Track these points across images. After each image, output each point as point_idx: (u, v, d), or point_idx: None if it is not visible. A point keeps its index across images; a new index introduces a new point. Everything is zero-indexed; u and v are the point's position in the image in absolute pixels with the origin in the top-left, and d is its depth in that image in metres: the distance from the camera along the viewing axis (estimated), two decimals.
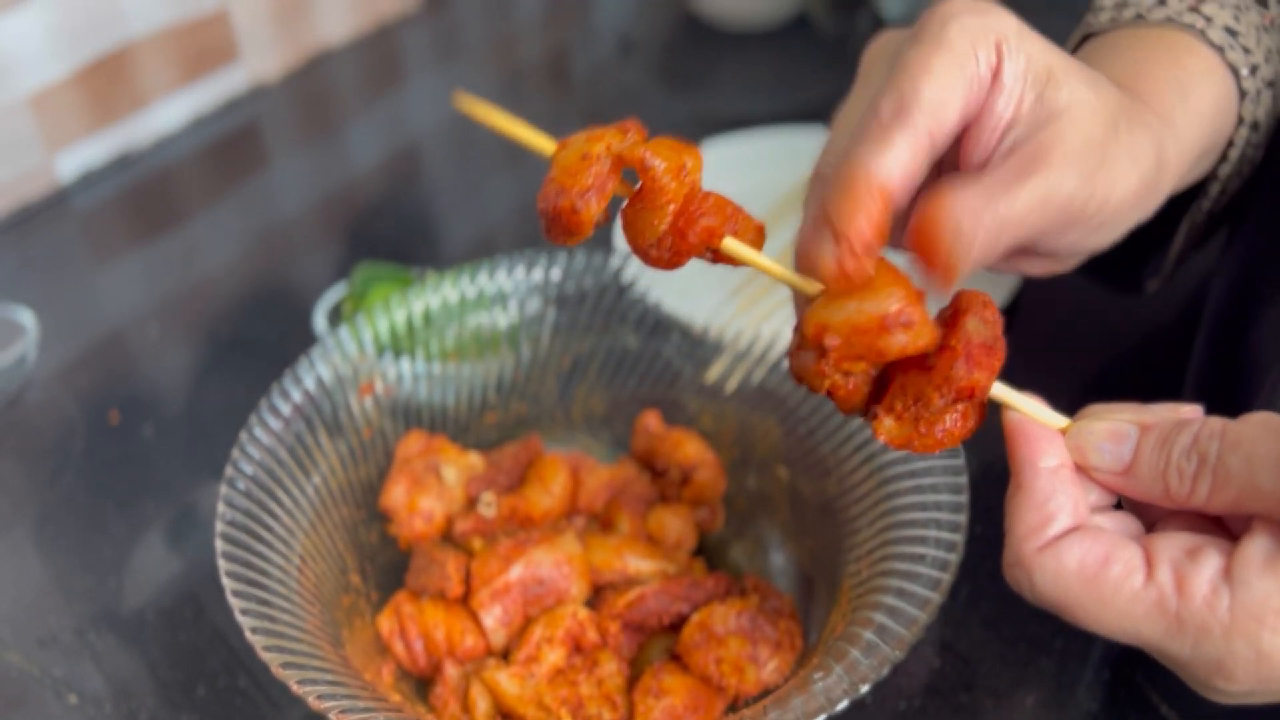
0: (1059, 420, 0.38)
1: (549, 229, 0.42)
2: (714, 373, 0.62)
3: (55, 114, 0.94)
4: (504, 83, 1.19)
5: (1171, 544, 0.34)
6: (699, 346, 0.63)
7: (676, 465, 0.59)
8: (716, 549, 0.60)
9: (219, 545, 0.47)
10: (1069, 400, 0.41)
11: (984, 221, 0.38)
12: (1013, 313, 0.73)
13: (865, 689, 0.41)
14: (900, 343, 0.37)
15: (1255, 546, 0.33)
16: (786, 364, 0.40)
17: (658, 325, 0.63)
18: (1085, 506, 0.37)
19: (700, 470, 0.59)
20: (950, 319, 0.38)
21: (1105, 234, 0.44)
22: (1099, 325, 0.76)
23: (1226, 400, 0.51)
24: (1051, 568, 0.35)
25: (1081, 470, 0.37)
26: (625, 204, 0.41)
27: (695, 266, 0.62)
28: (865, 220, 0.37)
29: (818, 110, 1.09)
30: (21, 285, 0.87)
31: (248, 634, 0.43)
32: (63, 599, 0.62)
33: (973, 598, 0.59)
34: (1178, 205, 0.54)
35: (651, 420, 0.63)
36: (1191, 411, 0.36)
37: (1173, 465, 0.35)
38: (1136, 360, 0.73)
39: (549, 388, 0.64)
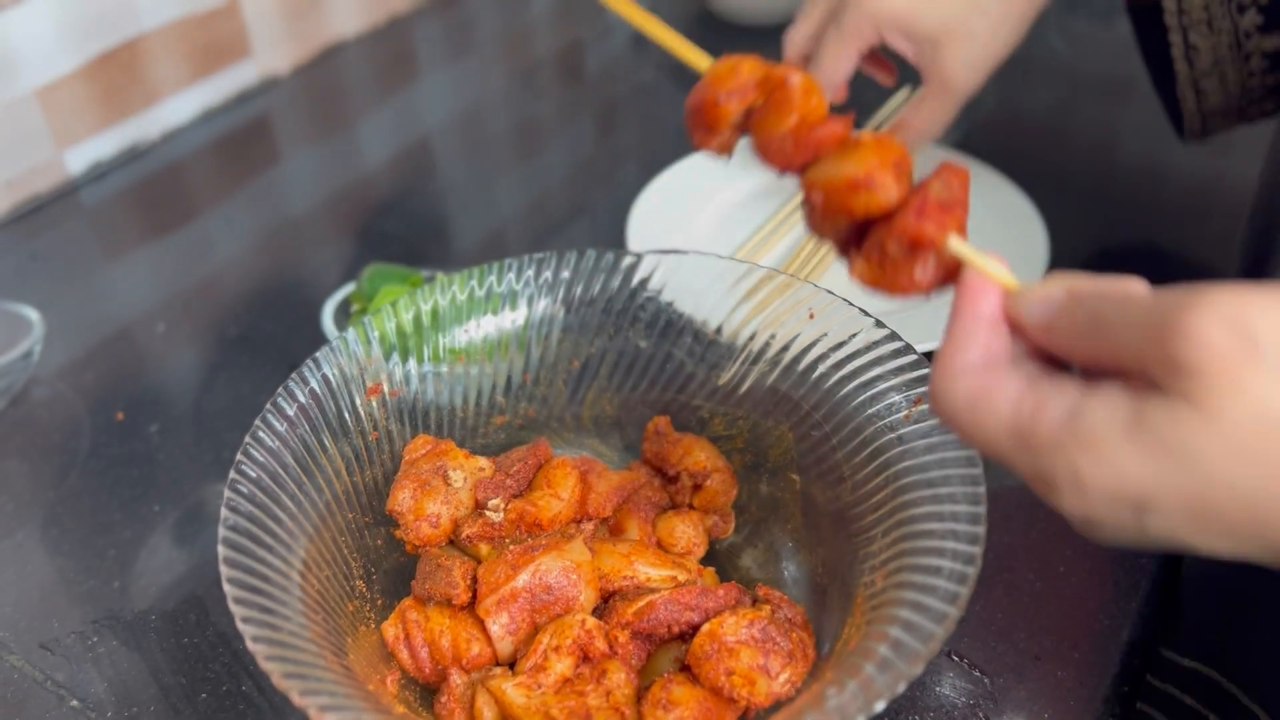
0: (1012, 282, 0.41)
1: (691, 122, 0.50)
2: (726, 376, 0.61)
3: (64, 107, 0.94)
4: (517, 78, 1.18)
5: (1057, 388, 0.38)
6: (711, 349, 0.62)
7: (687, 472, 0.58)
8: (727, 556, 0.59)
9: (221, 551, 0.46)
10: None
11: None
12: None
13: (880, 706, 0.40)
14: (863, 201, 0.43)
15: (1106, 389, 0.37)
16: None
17: (669, 327, 0.62)
18: (1001, 350, 0.40)
19: (712, 477, 0.58)
20: (921, 184, 0.43)
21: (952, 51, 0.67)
22: None
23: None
24: (947, 391, 0.40)
25: (1015, 326, 0.41)
26: (761, 105, 0.48)
27: (709, 271, 0.60)
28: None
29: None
30: (29, 280, 0.87)
31: (249, 643, 0.43)
32: (66, 602, 0.61)
33: (987, 609, 0.58)
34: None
35: (662, 425, 0.62)
36: (1135, 284, 0.38)
37: (1076, 324, 0.38)
38: None
39: (558, 390, 0.63)
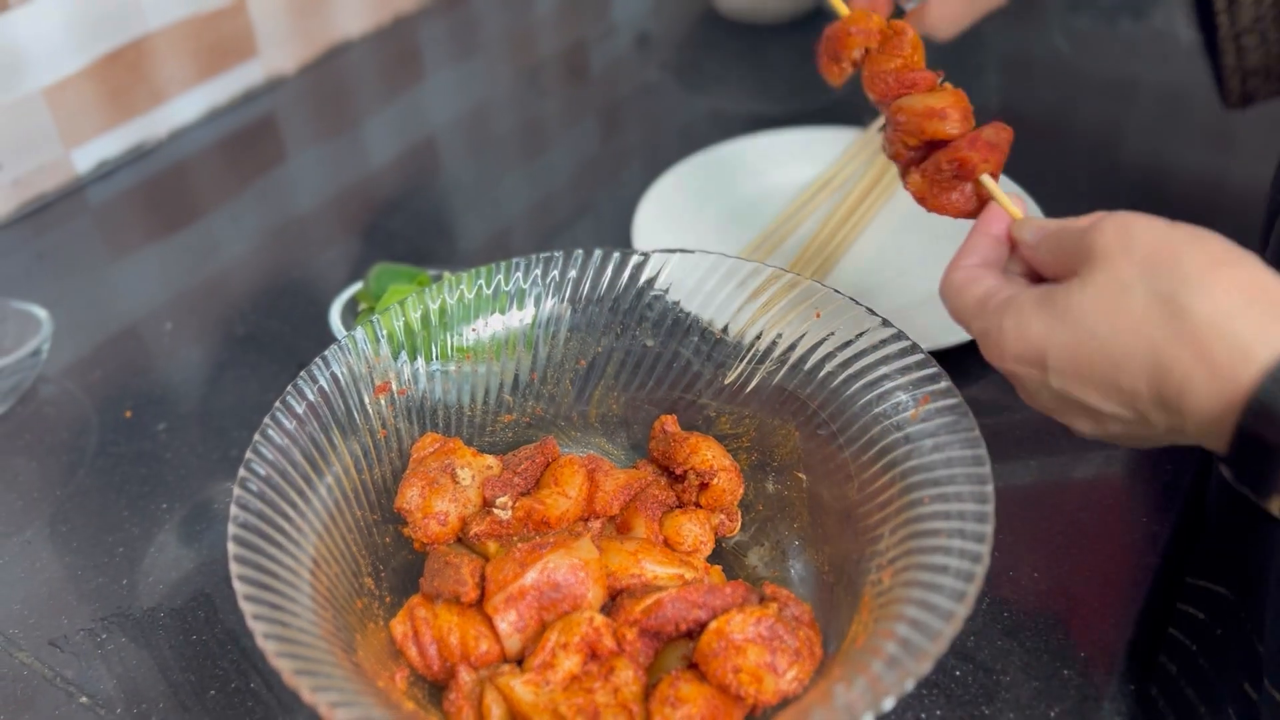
0: (1019, 213, 0.56)
1: (824, 48, 0.66)
2: (733, 375, 0.62)
3: (71, 107, 0.94)
4: (521, 77, 1.18)
5: (1020, 283, 0.52)
6: (718, 348, 0.62)
7: (694, 470, 0.59)
8: (733, 554, 0.59)
9: (231, 548, 0.47)
10: None
11: None
12: None
13: (889, 704, 0.41)
14: (935, 125, 0.58)
15: (1046, 285, 0.50)
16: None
17: (676, 326, 0.62)
18: (997, 259, 0.55)
19: (718, 476, 0.58)
20: (978, 128, 0.58)
21: None
22: None
23: None
24: (949, 280, 0.54)
25: (1013, 245, 0.55)
26: (877, 47, 0.63)
27: (716, 270, 0.61)
28: None
29: (835, 105, 1.08)
30: (36, 279, 0.87)
31: (259, 640, 0.43)
32: (74, 599, 0.61)
33: (994, 606, 0.58)
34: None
35: (669, 423, 0.62)
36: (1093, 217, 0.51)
37: (1050, 243, 0.52)
38: None
39: (565, 389, 0.64)
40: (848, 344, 0.57)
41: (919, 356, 0.54)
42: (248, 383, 0.76)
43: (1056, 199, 0.88)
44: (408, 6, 1.26)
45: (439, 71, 1.19)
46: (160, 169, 1.01)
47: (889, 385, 0.54)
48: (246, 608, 0.44)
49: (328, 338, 0.78)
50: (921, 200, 0.59)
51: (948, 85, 0.60)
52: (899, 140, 0.60)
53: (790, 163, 0.95)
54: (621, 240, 0.88)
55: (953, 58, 1.18)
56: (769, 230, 0.86)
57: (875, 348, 0.56)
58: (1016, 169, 0.91)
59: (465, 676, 0.50)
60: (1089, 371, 0.47)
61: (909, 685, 0.41)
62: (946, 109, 0.58)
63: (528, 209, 0.96)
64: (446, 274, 0.64)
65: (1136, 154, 1.01)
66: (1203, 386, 0.43)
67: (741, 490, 0.60)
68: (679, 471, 0.59)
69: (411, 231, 0.92)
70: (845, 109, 1.08)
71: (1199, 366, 0.43)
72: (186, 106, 1.05)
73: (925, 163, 0.59)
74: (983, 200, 0.58)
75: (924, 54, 0.63)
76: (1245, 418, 0.41)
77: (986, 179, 0.57)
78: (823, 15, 1.27)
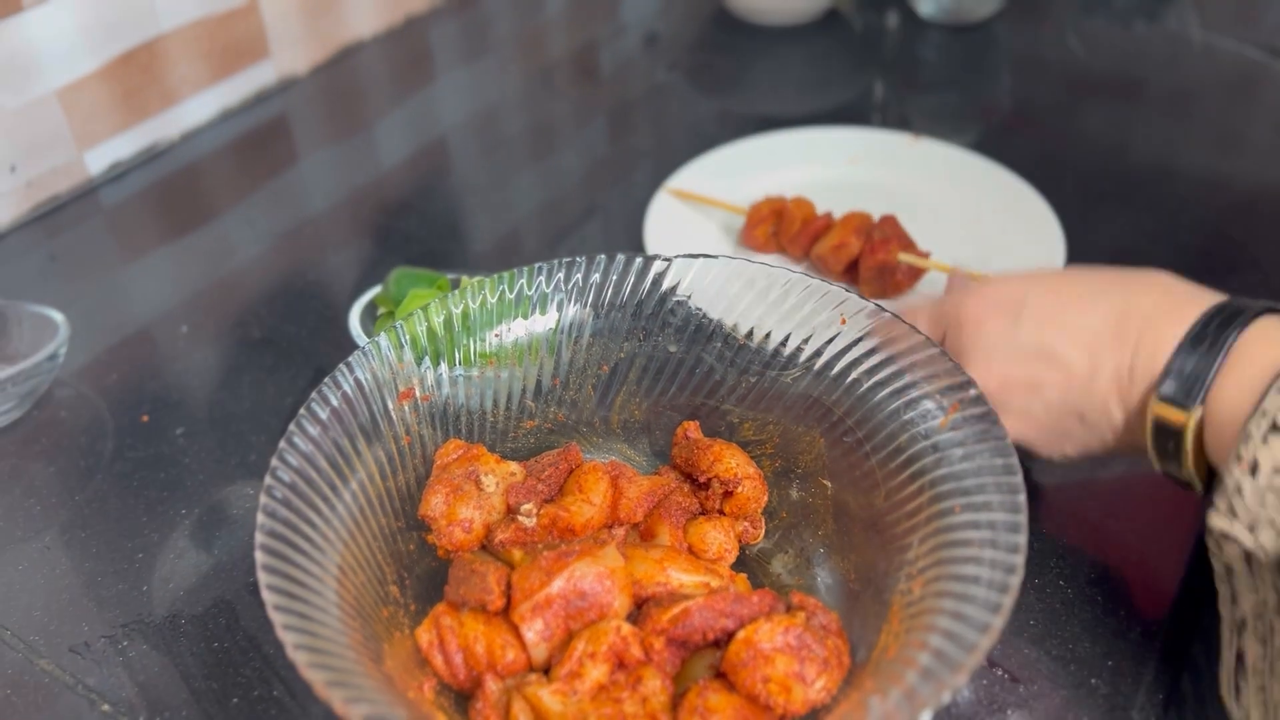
0: (947, 267, 0.75)
1: (744, 236, 0.87)
2: (756, 381, 0.61)
3: (85, 108, 0.94)
4: (532, 78, 1.18)
5: None
6: (741, 354, 0.61)
7: (718, 479, 0.58)
8: (757, 561, 0.59)
9: (259, 557, 0.46)
10: None
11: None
12: None
13: (927, 716, 0.40)
14: (845, 255, 0.79)
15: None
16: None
17: (698, 332, 0.62)
18: None
19: (743, 484, 0.58)
20: (870, 231, 0.79)
21: None
22: None
23: None
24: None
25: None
26: (778, 224, 0.85)
27: (739, 275, 0.61)
28: None
29: (847, 106, 1.08)
30: (49, 281, 0.87)
31: (290, 650, 0.42)
32: (94, 605, 0.61)
33: (1019, 614, 0.58)
34: None
35: (691, 430, 0.62)
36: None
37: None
38: None
39: (587, 395, 0.63)
40: (873, 350, 0.57)
41: (948, 364, 0.54)
42: (264, 387, 0.76)
43: (1069, 200, 0.88)
44: (419, 7, 1.26)
45: (450, 72, 1.19)
46: (173, 170, 1.00)
47: (916, 393, 0.54)
48: (276, 618, 0.44)
49: (344, 341, 0.78)
50: (882, 296, 0.78)
51: (834, 220, 0.82)
52: (832, 274, 0.80)
53: (801, 163, 0.95)
54: (633, 240, 0.88)
55: (967, 59, 1.18)
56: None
57: (902, 354, 0.55)
58: (1029, 170, 0.91)
59: (492, 686, 0.50)
60: (1063, 310, 0.55)
61: (946, 698, 0.41)
62: (844, 240, 0.79)
63: (539, 209, 0.96)
64: (464, 278, 0.63)
65: (1148, 155, 1.01)
66: (1161, 319, 0.53)
67: (765, 498, 0.60)
68: (703, 479, 0.59)
69: (424, 233, 0.92)
70: (856, 110, 1.07)
71: (1164, 300, 0.53)
72: (199, 108, 1.04)
73: (861, 275, 0.79)
74: (912, 271, 0.78)
75: (813, 208, 0.83)
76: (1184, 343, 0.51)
77: (904, 256, 0.77)
78: (835, 16, 1.27)
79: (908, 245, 0.77)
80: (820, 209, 0.85)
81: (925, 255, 0.78)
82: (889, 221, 0.78)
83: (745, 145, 0.96)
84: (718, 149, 0.95)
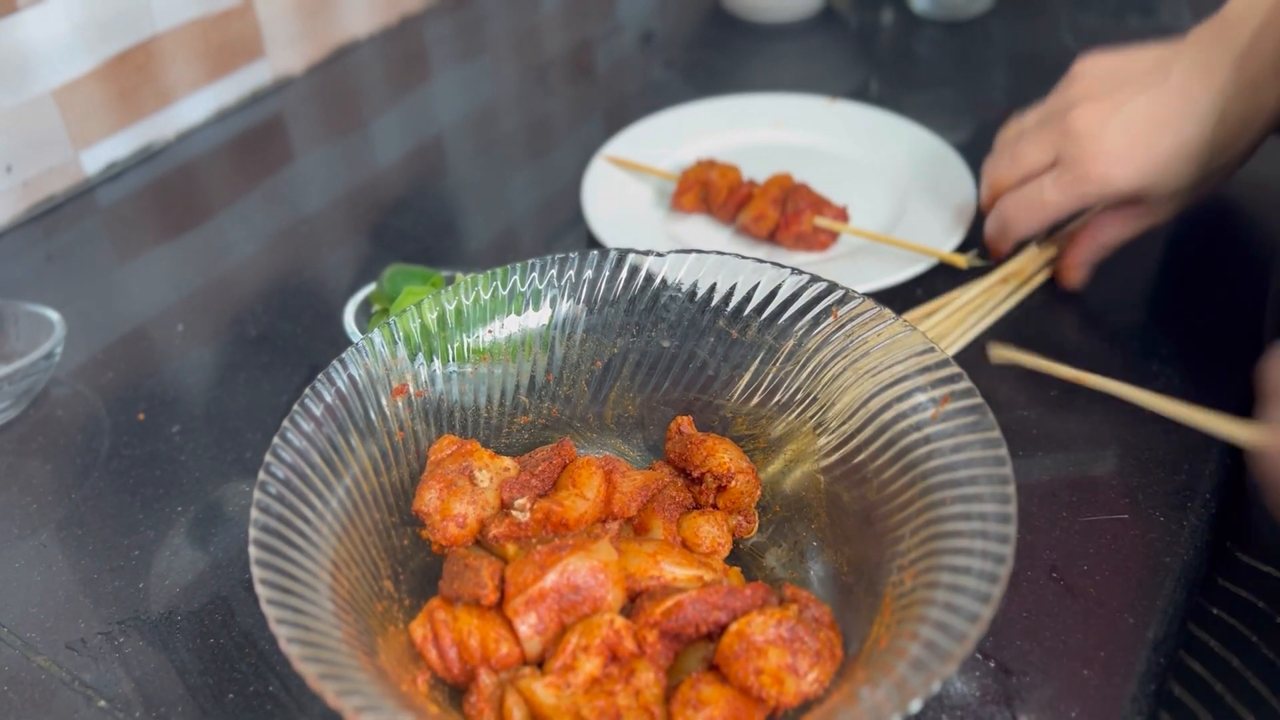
0: (844, 228, 0.85)
1: (676, 197, 0.91)
2: (749, 375, 0.61)
3: (80, 108, 0.94)
4: (527, 76, 1.18)
5: None
6: (734, 348, 0.62)
7: (711, 474, 0.59)
8: (751, 555, 0.59)
9: (253, 552, 0.46)
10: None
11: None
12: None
13: (916, 706, 0.40)
14: (765, 225, 0.85)
15: None
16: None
17: (691, 327, 0.62)
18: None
19: (736, 479, 0.58)
20: (785, 201, 0.85)
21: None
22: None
23: None
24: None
25: None
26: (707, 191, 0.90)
27: (733, 272, 0.60)
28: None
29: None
30: (45, 281, 0.87)
31: (283, 644, 0.43)
32: (90, 602, 0.61)
33: (1011, 606, 0.58)
34: None
35: (685, 425, 0.62)
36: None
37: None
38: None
39: (581, 390, 0.64)
40: (865, 344, 0.57)
41: (939, 356, 0.54)
42: (260, 384, 0.76)
43: None
44: (414, 6, 1.26)
45: (446, 71, 1.19)
46: (169, 170, 1.01)
47: (908, 385, 0.54)
48: (270, 612, 0.44)
49: (340, 338, 0.78)
50: (810, 252, 0.85)
51: (756, 188, 0.87)
52: (757, 240, 0.87)
53: (729, 128, 1.01)
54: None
55: (961, 55, 1.18)
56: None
57: (893, 348, 0.56)
58: None
59: (486, 679, 0.50)
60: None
61: (935, 687, 0.41)
62: (762, 212, 0.85)
63: (535, 207, 0.96)
64: (459, 275, 0.64)
65: None
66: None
67: (759, 492, 0.60)
68: (696, 474, 0.59)
69: (420, 231, 0.92)
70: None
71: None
72: (195, 107, 1.05)
73: (783, 242, 0.85)
74: (826, 233, 0.85)
75: (737, 173, 0.88)
76: None
77: (819, 221, 0.84)
78: (830, 13, 1.27)
79: (821, 209, 0.84)
80: (749, 171, 0.91)
81: (842, 211, 0.84)
82: (802, 191, 0.84)
83: (677, 113, 1.02)
84: (651, 116, 1.01)
